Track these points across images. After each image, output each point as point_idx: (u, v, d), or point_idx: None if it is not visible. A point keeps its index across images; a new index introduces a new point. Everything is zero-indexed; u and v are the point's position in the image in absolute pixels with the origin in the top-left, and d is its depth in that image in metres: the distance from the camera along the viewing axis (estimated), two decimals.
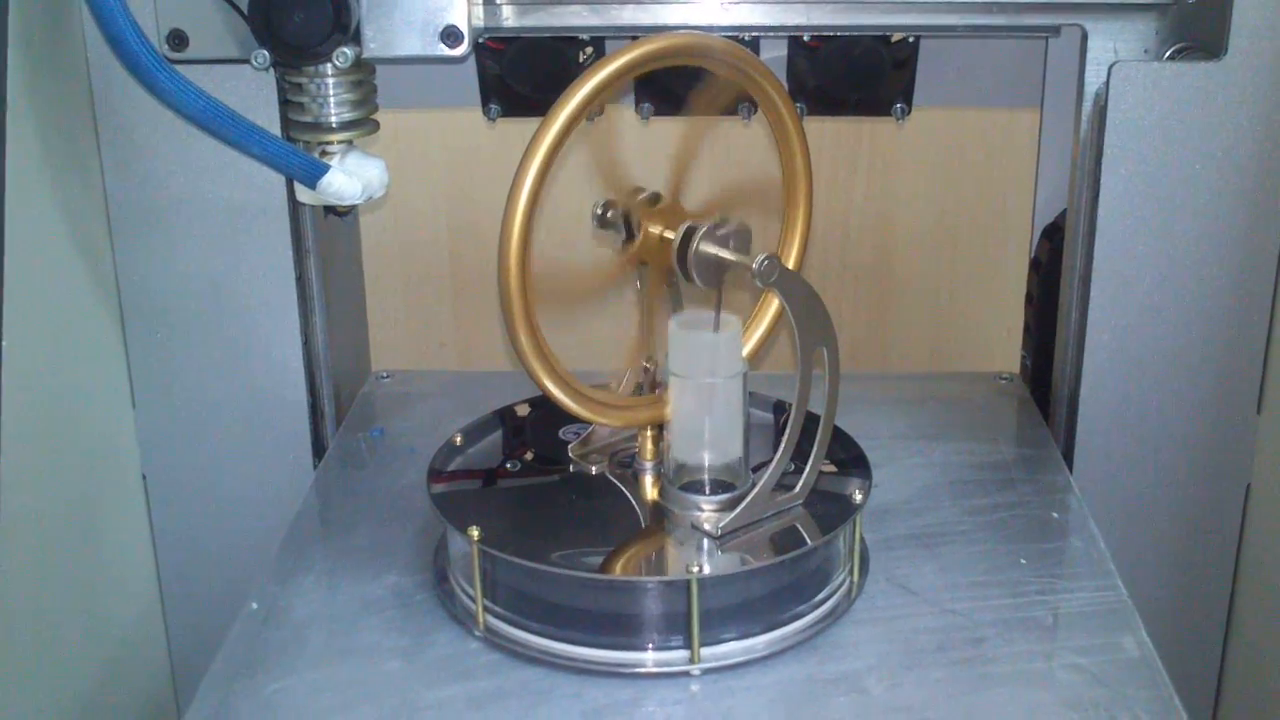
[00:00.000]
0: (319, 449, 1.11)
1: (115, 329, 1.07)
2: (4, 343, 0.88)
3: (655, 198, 0.86)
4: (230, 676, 0.80)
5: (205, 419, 1.09)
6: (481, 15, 0.97)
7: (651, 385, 0.92)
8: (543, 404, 0.95)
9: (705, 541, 0.83)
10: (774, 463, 0.84)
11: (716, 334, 0.84)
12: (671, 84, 1.15)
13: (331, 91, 0.99)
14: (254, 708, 0.78)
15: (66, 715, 0.99)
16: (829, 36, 1.13)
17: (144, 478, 1.10)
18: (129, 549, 1.10)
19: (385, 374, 1.23)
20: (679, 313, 0.88)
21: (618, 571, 0.82)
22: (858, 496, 0.86)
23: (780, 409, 0.98)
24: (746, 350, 0.91)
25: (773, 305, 0.94)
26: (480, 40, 1.07)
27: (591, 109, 0.79)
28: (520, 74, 1.17)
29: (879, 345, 1.30)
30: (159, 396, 1.09)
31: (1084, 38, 1.00)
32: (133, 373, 1.08)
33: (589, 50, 1.15)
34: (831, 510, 0.86)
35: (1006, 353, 1.28)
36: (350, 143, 1.01)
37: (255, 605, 0.87)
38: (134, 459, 1.10)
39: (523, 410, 1.00)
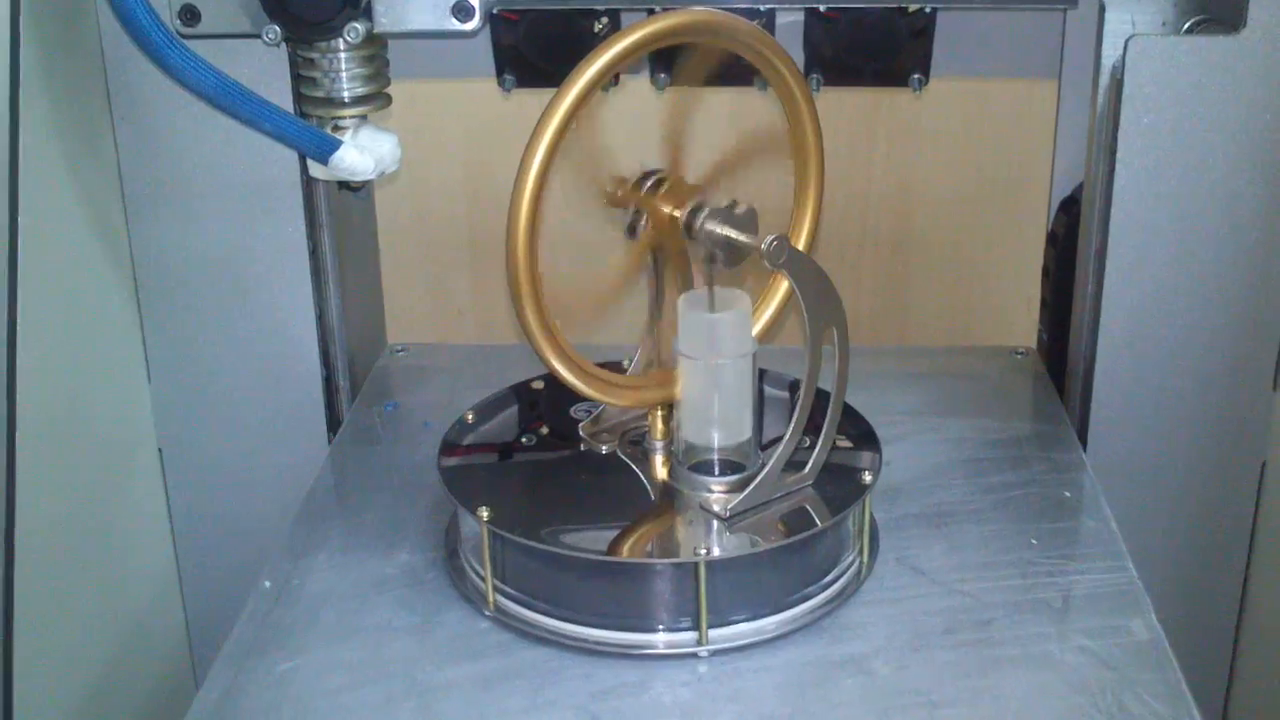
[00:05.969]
0: (333, 423, 1.11)
1: (130, 304, 1.07)
2: (20, 319, 0.89)
3: (657, 182, 0.85)
4: (243, 655, 0.81)
5: (220, 393, 1.10)
6: None
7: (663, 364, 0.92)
8: (554, 380, 0.95)
9: (714, 523, 0.83)
10: (782, 445, 0.84)
11: (726, 313, 0.83)
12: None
13: (343, 66, 0.98)
14: (266, 686, 0.78)
15: (84, 690, 1.00)
16: (846, 7, 1.11)
17: (160, 452, 1.11)
18: (145, 524, 1.11)
19: (400, 347, 1.23)
20: (687, 292, 0.87)
21: (626, 553, 0.82)
22: (868, 477, 0.86)
23: (794, 386, 0.97)
24: (756, 330, 0.90)
25: (782, 285, 0.93)
26: (494, 11, 1.06)
27: (605, 82, 0.78)
28: (535, 45, 1.16)
29: (897, 317, 1.29)
30: (174, 371, 1.09)
31: (1101, 10, 0.99)
32: (148, 348, 1.09)
33: (604, 21, 1.14)
34: (841, 491, 0.86)
35: (1026, 325, 1.27)
36: (363, 117, 1.01)
37: (268, 583, 0.87)
38: (150, 434, 1.10)
39: (536, 386, 1.00)
